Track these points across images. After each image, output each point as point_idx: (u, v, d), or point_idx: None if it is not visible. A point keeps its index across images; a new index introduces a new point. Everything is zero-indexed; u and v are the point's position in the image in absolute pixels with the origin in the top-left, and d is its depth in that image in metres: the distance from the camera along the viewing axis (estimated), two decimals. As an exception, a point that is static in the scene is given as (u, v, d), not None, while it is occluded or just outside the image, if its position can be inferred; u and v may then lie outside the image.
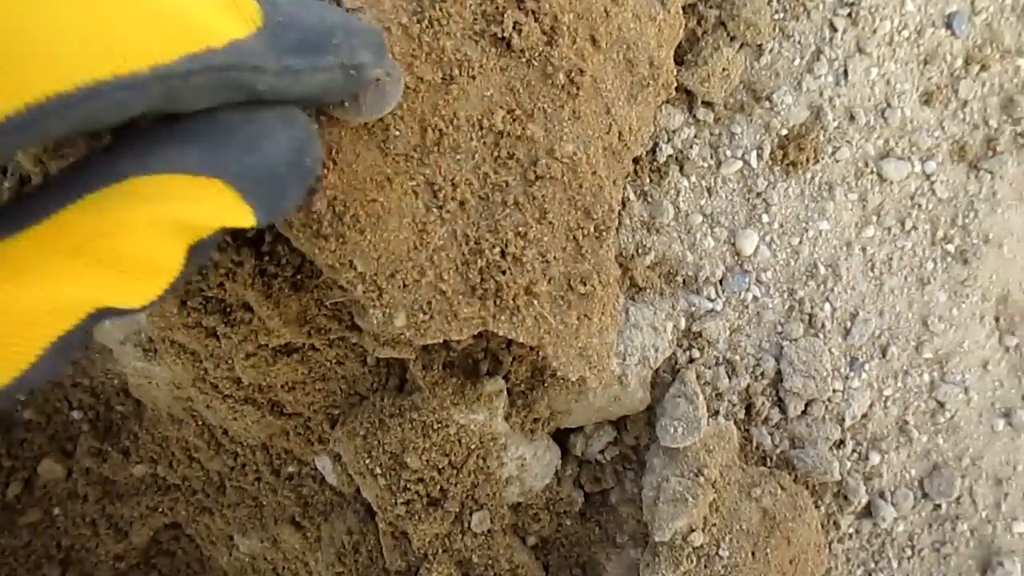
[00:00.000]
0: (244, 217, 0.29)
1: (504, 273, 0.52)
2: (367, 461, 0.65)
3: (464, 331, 0.52)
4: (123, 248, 0.26)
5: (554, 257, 0.55)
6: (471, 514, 0.70)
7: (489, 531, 0.71)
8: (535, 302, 0.54)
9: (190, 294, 0.60)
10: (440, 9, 0.49)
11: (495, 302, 0.52)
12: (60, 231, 0.26)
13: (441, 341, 0.53)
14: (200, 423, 0.78)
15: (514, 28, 0.52)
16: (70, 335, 0.27)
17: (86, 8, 0.23)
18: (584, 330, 0.57)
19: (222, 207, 0.28)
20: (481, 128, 0.52)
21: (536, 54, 0.54)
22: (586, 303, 0.56)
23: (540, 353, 0.57)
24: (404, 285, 0.50)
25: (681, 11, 0.68)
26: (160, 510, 0.86)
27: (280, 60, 0.29)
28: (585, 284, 0.56)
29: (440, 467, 0.65)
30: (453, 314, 0.52)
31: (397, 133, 0.48)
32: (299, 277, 0.60)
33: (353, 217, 0.48)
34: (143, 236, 0.26)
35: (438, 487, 0.66)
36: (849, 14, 0.77)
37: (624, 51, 0.62)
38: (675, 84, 0.66)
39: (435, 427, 0.64)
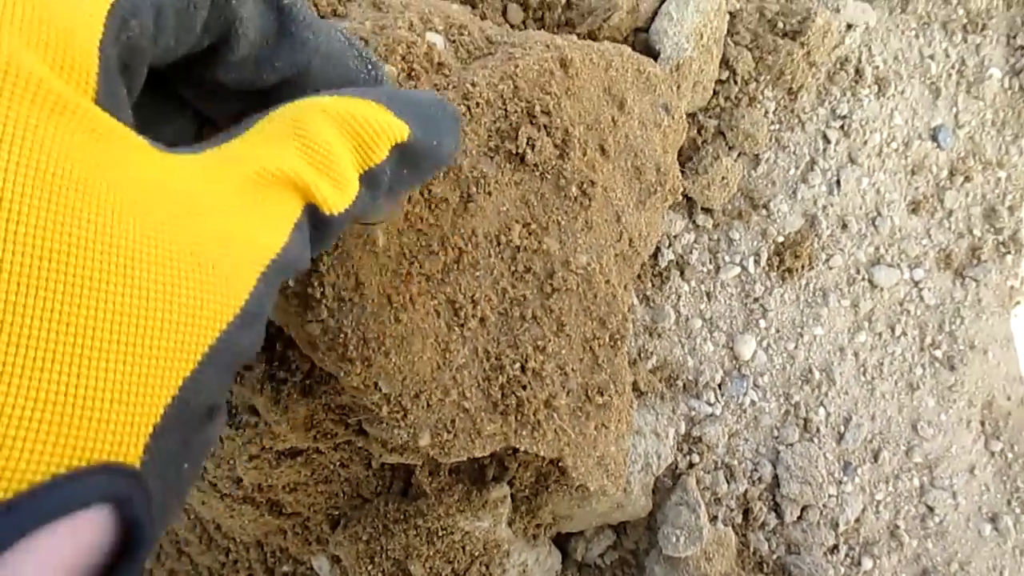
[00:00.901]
0: (400, 128, 0.32)
1: (525, 388, 0.53)
2: (369, 567, 0.64)
3: (487, 448, 0.53)
4: (310, 141, 0.29)
5: (572, 369, 0.56)
6: (470, 621, 0.69)
7: (488, 638, 0.70)
8: (555, 415, 0.54)
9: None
10: None
11: (516, 417, 0.53)
12: (257, 133, 0.28)
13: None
14: (192, 516, 0.77)
15: (528, 143, 0.54)
16: (300, 223, 0.29)
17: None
18: (602, 440, 0.58)
19: (384, 118, 0.31)
20: (499, 244, 0.53)
21: (549, 167, 0.56)
22: (604, 413, 0.57)
23: (559, 464, 0.57)
24: (428, 405, 0.50)
25: (684, 116, 0.71)
26: (142, 603, 0.84)
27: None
28: (603, 394, 0.57)
29: (443, 575, 0.64)
30: (476, 432, 0.52)
31: (419, 254, 0.49)
32: (308, 382, 0.61)
33: (378, 340, 0.48)
34: (323, 132, 0.29)
35: (440, 595, 0.65)
36: (841, 126, 0.80)
37: (632, 159, 0.64)
38: (681, 188, 0.68)
39: (440, 534, 0.64)
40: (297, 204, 0.29)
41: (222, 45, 0.29)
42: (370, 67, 0.35)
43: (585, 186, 0.58)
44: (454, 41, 0.57)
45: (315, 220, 0.30)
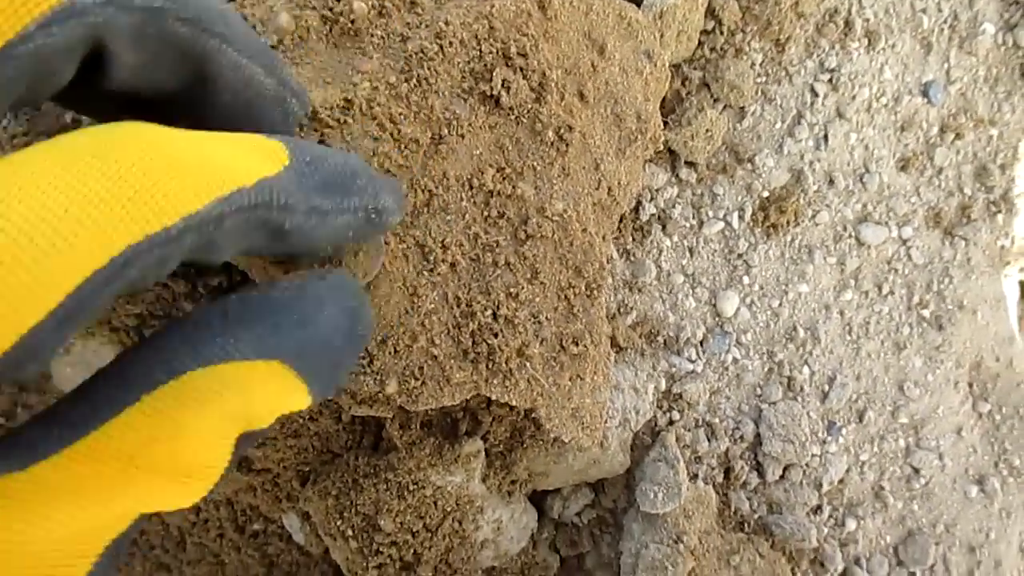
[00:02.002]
0: (300, 399, 0.28)
1: (496, 336, 0.51)
2: (339, 522, 0.63)
3: (457, 396, 0.51)
4: (181, 452, 0.25)
5: (546, 318, 0.54)
6: (444, 578, 0.68)
7: (461, 596, 0.69)
8: (528, 364, 0.53)
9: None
10: (428, 68, 0.49)
11: (487, 366, 0.51)
12: (120, 438, 0.24)
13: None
14: (161, 475, 0.75)
15: (503, 85, 0.52)
16: (116, 544, 0.25)
17: (108, 177, 0.22)
18: (577, 391, 0.56)
19: (280, 392, 0.27)
20: (471, 188, 0.52)
21: (525, 111, 0.54)
22: (579, 363, 0.56)
23: (532, 414, 0.56)
24: (395, 351, 0.49)
25: (667, 64, 0.69)
26: (113, 565, 0.83)
27: (308, 200, 0.28)
28: (578, 344, 0.55)
29: (415, 530, 0.63)
30: (446, 379, 0.51)
31: None
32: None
33: None
34: (202, 437, 0.25)
35: (412, 551, 0.64)
36: (830, 80, 0.79)
37: (612, 105, 0.63)
38: (663, 138, 0.66)
39: (411, 489, 0.62)
40: (118, 528, 0.25)
41: (94, 68, 0.26)
42: (288, 100, 0.33)
43: (562, 131, 0.56)
44: (427, -21, 0.55)
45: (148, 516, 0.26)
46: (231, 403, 0.25)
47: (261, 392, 0.26)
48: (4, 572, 0.22)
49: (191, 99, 0.29)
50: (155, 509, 0.25)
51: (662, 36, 0.73)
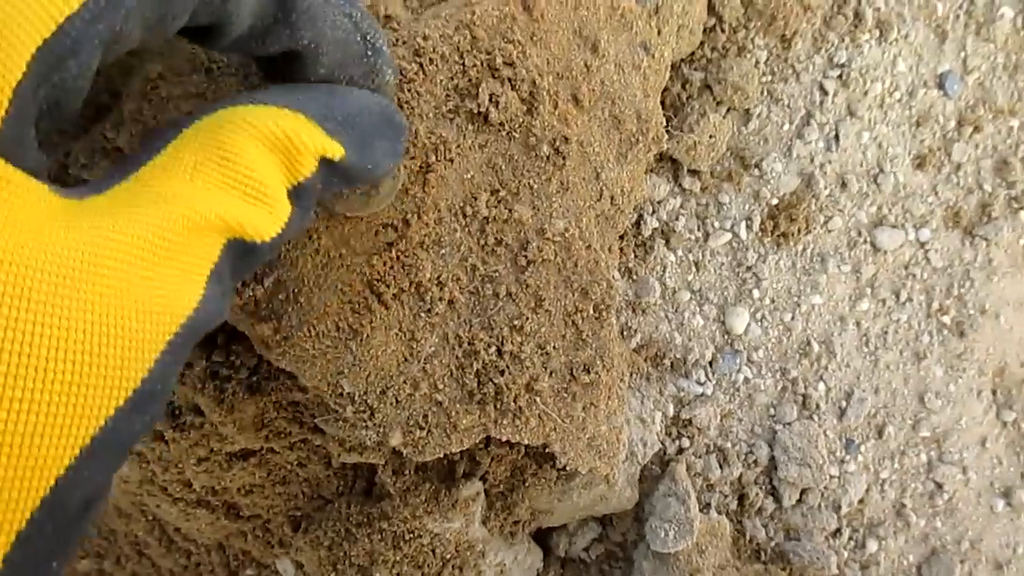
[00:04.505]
0: (333, 148, 0.30)
1: (503, 373, 0.48)
2: (332, 575, 0.60)
3: (465, 442, 0.49)
4: (233, 164, 0.27)
5: (554, 347, 0.51)
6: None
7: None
8: (538, 399, 0.50)
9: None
10: (409, 91, 0.45)
11: (496, 406, 0.49)
12: (174, 160, 0.26)
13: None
14: (150, 519, 0.72)
15: (491, 100, 0.49)
16: (219, 268, 0.27)
17: None
18: (592, 420, 0.53)
19: (311, 134, 0.29)
20: (464, 216, 0.48)
21: (517, 125, 0.50)
22: (591, 392, 0.53)
23: (535, 450, 0.54)
24: (397, 401, 0.46)
25: (666, 55, 0.65)
26: (104, 607, 0.80)
27: None
28: (589, 372, 0.52)
29: (412, 581, 0.60)
30: (452, 426, 0.48)
31: (376, 234, 0.44)
32: (255, 379, 0.56)
33: (335, 336, 0.44)
34: (247, 152, 0.27)
35: (410, 602, 0.61)
36: (839, 76, 0.75)
37: (609, 107, 0.59)
38: (665, 136, 0.63)
39: (406, 538, 0.59)
40: (215, 247, 0.27)
41: (213, 29, 0.28)
42: (370, 52, 0.33)
43: (558, 143, 0.52)
44: (403, -11, 0.51)
45: (242, 251, 0.28)
46: (260, 125, 0.28)
47: (289, 122, 0.28)
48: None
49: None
50: (239, 231, 0.27)
51: (660, 32, 0.69)
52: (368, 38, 0.33)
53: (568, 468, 0.55)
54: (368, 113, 0.32)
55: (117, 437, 0.22)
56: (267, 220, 0.28)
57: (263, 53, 0.30)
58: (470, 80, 0.48)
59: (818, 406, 0.73)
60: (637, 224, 0.70)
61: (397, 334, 0.46)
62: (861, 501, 0.74)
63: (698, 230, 0.72)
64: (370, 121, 0.32)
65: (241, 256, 0.28)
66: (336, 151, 0.30)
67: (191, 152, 0.26)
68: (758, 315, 0.72)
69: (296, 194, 0.30)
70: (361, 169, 0.32)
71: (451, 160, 0.47)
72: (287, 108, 0.29)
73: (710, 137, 0.70)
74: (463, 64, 0.48)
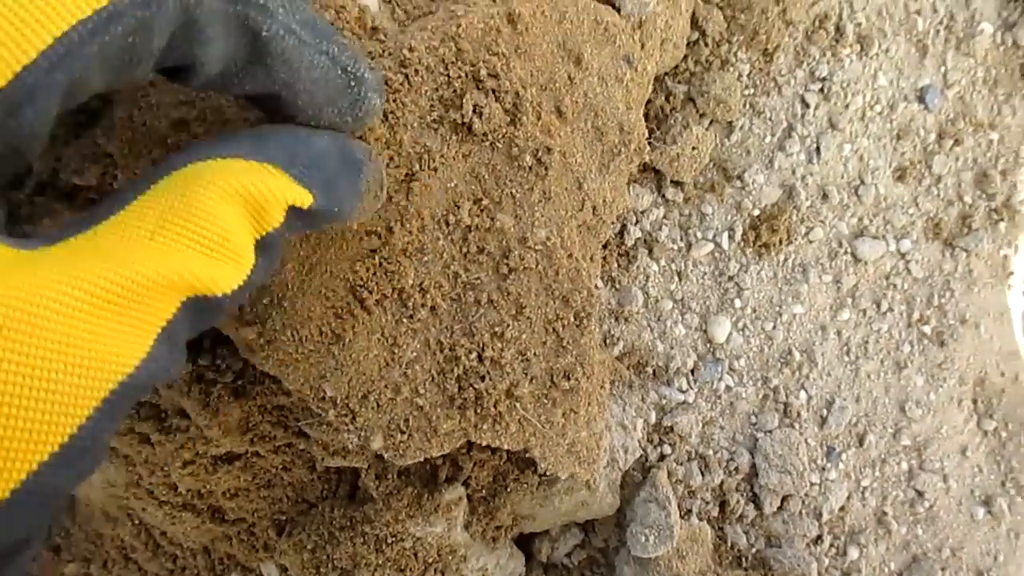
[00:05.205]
0: (302, 196, 0.30)
1: (483, 379, 0.49)
2: (315, 578, 0.61)
3: (446, 446, 0.49)
4: (198, 222, 0.27)
5: (534, 354, 0.52)
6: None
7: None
8: (518, 405, 0.51)
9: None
10: (394, 101, 0.46)
11: (476, 411, 0.49)
12: (138, 217, 0.26)
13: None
14: (136, 523, 0.73)
15: (474, 111, 0.50)
16: (172, 326, 0.27)
17: None
18: (571, 426, 0.54)
19: (278, 185, 0.29)
20: (447, 225, 0.49)
21: (500, 136, 0.51)
22: (571, 398, 0.54)
23: (517, 456, 0.54)
24: (378, 405, 0.47)
25: (649, 69, 0.66)
26: (91, 611, 0.81)
27: (288, 19, 0.29)
28: (569, 379, 0.53)
29: (395, 584, 0.61)
30: (433, 430, 0.49)
31: (359, 240, 0.45)
32: (240, 383, 0.57)
33: (318, 341, 0.45)
34: (214, 209, 0.27)
35: (393, 605, 0.62)
36: (821, 89, 0.76)
37: (592, 119, 0.60)
38: (647, 148, 0.64)
39: (389, 541, 0.60)
40: (170, 306, 0.27)
41: (183, 70, 0.29)
42: (353, 83, 0.34)
43: (540, 154, 0.53)
44: (390, 1, 0.52)
45: (202, 307, 0.28)
46: (231, 181, 0.28)
47: (259, 176, 0.29)
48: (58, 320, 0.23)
49: (253, 79, 0.31)
50: (198, 288, 0.27)
51: (643, 46, 0.70)
52: (349, 70, 0.33)
53: (549, 473, 0.55)
54: (331, 155, 0.33)
55: (40, 491, 0.22)
56: (230, 274, 0.28)
57: (241, 93, 0.31)
58: (455, 91, 0.49)
59: (799, 414, 0.74)
60: (620, 234, 0.71)
61: (379, 339, 0.47)
62: (842, 509, 0.75)
63: (681, 240, 0.73)
64: (333, 163, 0.33)
65: (200, 312, 0.28)
66: (305, 199, 0.30)
67: (156, 210, 0.27)
68: (740, 324, 0.73)
69: (262, 244, 0.30)
70: (328, 212, 0.32)
71: (435, 169, 0.48)
72: (255, 161, 0.29)
73: (693, 149, 0.71)
74: (448, 75, 0.49)
